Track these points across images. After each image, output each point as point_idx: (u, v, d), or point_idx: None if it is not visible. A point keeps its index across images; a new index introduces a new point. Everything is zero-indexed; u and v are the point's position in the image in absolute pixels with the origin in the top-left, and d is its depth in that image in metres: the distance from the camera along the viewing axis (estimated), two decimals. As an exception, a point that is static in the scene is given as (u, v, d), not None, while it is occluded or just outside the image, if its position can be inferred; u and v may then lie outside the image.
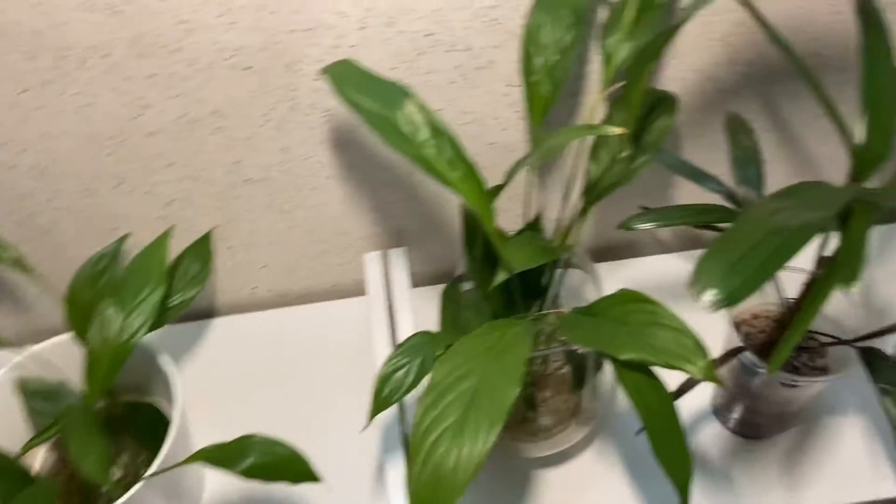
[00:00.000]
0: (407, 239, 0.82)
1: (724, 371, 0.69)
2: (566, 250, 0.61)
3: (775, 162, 0.80)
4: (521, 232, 0.66)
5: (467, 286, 0.64)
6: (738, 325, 0.70)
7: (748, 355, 0.63)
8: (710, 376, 0.44)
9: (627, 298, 0.49)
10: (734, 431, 0.72)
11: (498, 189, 0.53)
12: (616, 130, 0.46)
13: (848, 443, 0.70)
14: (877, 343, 0.61)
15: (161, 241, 0.58)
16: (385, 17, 0.62)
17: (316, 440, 0.72)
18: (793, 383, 0.63)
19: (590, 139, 0.67)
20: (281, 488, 0.69)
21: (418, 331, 0.56)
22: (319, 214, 0.78)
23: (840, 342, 0.65)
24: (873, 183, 0.52)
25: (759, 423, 0.72)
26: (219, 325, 0.84)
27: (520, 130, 0.73)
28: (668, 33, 0.46)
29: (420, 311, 0.73)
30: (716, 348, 0.70)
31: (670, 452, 0.45)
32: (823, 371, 0.66)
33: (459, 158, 0.50)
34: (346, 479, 0.69)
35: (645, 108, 0.62)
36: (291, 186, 0.75)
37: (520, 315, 0.59)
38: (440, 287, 0.75)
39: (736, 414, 0.72)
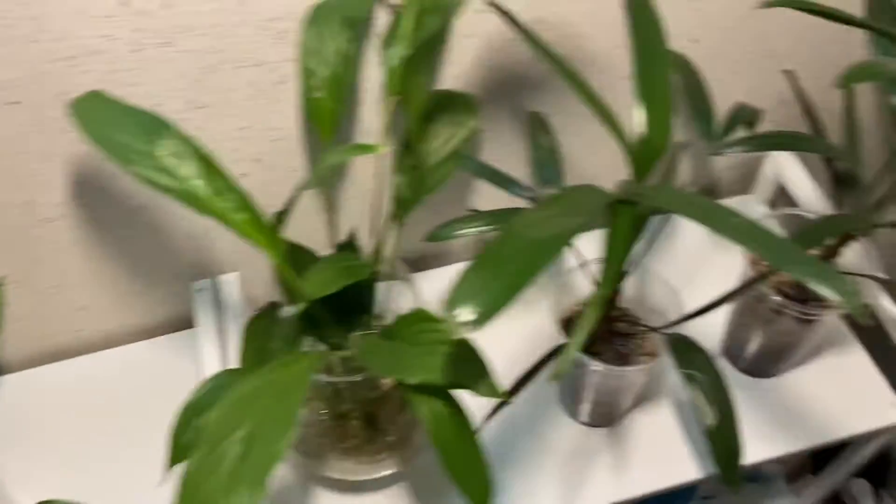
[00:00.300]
0: (240, 262, 0.79)
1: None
2: (377, 266, 0.60)
3: (581, 159, 0.80)
4: (338, 250, 0.64)
5: (286, 312, 0.62)
6: (566, 322, 0.70)
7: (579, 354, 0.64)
8: (495, 394, 0.43)
9: (419, 318, 0.48)
10: (583, 422, 0.73)
11: (282, 216, 0.50)
12: (382, 150, 0.44)
13: (666, 428, 0.72)
14: (685, 329, 0.63)
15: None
16: (160, 37, 0.58)
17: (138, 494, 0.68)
18: (609, 372, 0.64)
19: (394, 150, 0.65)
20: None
21: (222, 370, 0.53)
22: (135, 246, 0.74)
23: (649, 329, 0.66)
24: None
25: (601, 413, 0.73)
26: (32, 377, 0.78)
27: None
28: (431, 42, 0.45)
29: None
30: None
31: (469, 478, 0.44)
32: (653, 357, 0.67)
33: (229, 189, 0.47)
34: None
35: (445, 113, 0.61)
36: (95, 220, 0.70)
37: (329, 341, 0.56)
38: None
39: (581, 405, 0.72)
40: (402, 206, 0.59)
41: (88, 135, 0.45)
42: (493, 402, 0.59)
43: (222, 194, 0.46)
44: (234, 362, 0.69)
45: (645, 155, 0.51)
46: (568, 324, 0.70)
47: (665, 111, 0.52)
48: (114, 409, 0.75)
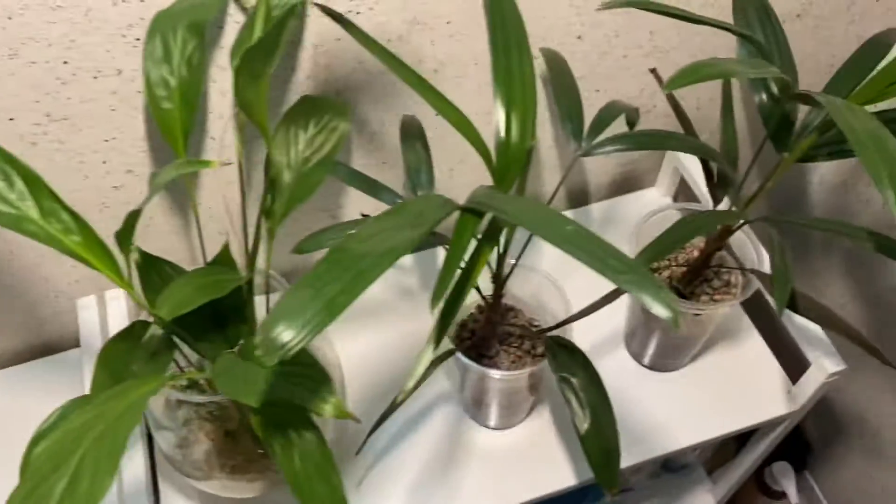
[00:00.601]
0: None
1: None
2: (248, 280, 0.58)
3: (458, 162, 0.80)
4: (210, 265, 0.62)
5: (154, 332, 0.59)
6: (461, 326, 0.69)
7: (460, 356, 0.63)
8: (342, 414, 0.42)
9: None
10: (480, 423, 0.73)
11: (124, 235, 0.48)
12: (215, 164, 0.42)
13: (550, 432, 0.72)
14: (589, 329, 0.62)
15: None
16: (4, 49, 0.55)
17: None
18: (497, 377, 0.63)
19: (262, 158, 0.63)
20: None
21: (72, 398, 0.51)
22: (9, 265, 0.70)
23: (534, 332, 0.65)
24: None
25: (501, 416, 0.72)
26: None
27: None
28: (266, 45, 0.43)
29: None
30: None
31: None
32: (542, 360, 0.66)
33: (59, 209, 0.44)
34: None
35: (315, 119, 0.60)
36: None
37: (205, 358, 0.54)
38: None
39: (479, 409, 0.72)
40: (272, 218, 0.57)
41: None
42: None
43: (52, 216, 0.44)
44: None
45: (505, 160, 0.50)
46: (459, 331, 0.69)
47: (527, 113, 0.51)
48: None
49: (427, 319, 0.75)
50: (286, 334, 0.34)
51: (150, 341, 0.52)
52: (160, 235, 0.73)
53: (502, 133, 0.50)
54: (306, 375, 0.42)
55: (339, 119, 0.59)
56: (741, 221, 0.58)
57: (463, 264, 0.43)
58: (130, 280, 0.51)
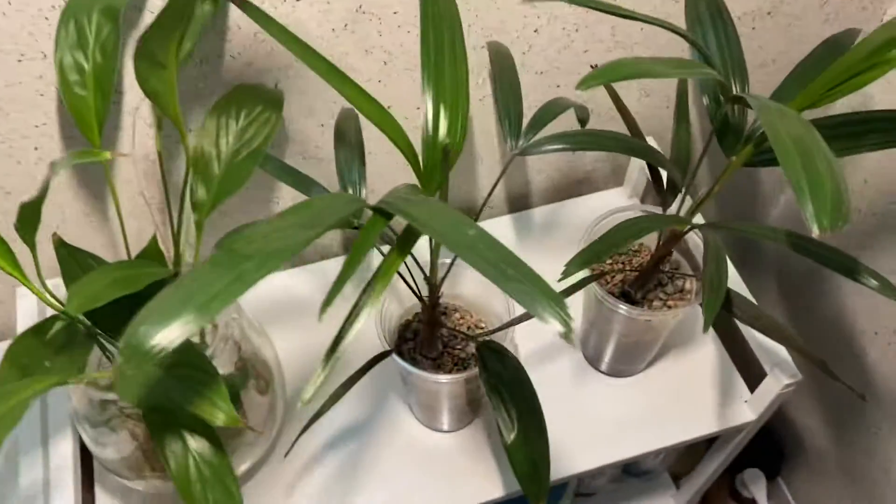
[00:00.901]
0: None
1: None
2: (175, 274, 0.56)
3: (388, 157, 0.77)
4: (138, 258, 0.60)
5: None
6: (405, 325, 0.67)
7: (395, 358, 0.61)
8: (233, 422, 0.40)
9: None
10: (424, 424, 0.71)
11: (24, 226, 0.46)
12: (106, 156, 0.40)
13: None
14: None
15: None
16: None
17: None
18: (442, 381, 0.61)
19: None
20: None
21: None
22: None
23: (469, 336, 0.64)
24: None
25: (442, 417, 0.70)
26: None
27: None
28: (164, 27, 0.41)
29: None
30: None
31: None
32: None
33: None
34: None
35: (247, 108, 0.57)
36: None
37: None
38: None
39: (422, 410, 0.70)
40: (199, 210, 0.55)
41: None
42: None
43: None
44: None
45: (431, 159, 0.48)
46: (403, 331, 0.67)
47: (456, 111, 0.49)
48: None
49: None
50: (153, 337, 0.32)
51: (57, 336, 0.50)
52: (88, 231, 0.71)
53: (429, 131, 0.48)
54: (196, 379, 0.40)
55: (272, 110, 0.57)
56: (687, 227, 0.56)
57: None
58: (40, 272, 0.49)
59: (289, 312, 0.77)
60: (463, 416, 0.70)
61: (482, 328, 0.68)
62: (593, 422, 0.71)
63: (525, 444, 0.51)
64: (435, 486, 0.67)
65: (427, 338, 0.64)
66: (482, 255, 0.34)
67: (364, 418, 0.71)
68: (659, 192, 0.59)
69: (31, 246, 0.46)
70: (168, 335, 0.32)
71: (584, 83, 0.36)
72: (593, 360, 0.75)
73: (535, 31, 0.70)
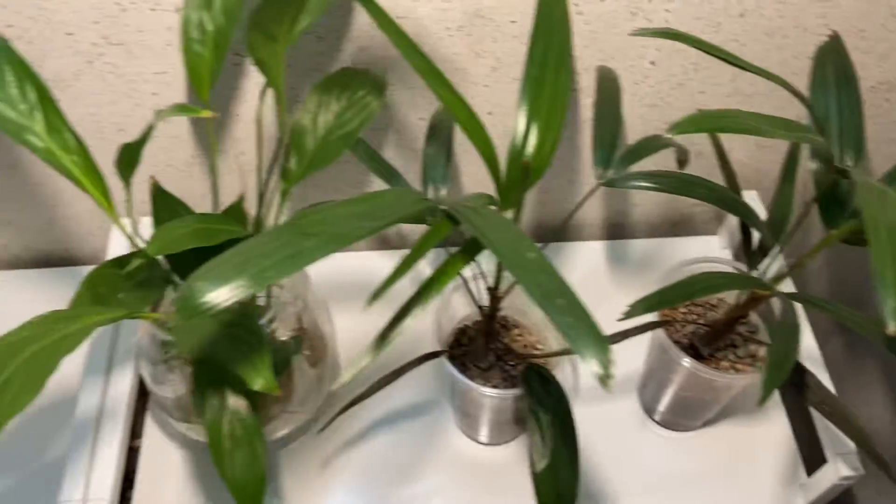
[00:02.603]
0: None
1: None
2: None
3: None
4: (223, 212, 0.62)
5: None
6: (462, 331, 0.67)
7: (445, 362, 0.61)
8: (270, 388, 0.41)
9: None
10: (463, 432, 0.71)
11: (124, 165, 0.48)
12: (206, 114, 0.42)
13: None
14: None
15: None
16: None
17: None
18: (486, 393, 0.61)
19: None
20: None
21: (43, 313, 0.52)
22: (57, 180, 0.74)
23: (521, 355, 0.63)
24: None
25: (483, 429, 0.70)
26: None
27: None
28: (278, 4, 0.42)
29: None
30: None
31: (241, 471, 0.42)
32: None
33: (62, 127, 0.45)
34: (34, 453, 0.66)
35: (350, 91, 0.59)
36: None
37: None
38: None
39: (463, 417, 0.70)
40: (287, 179, 0.57)
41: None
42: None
43: (56, 132, 0.45)
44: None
45: (514, 174, 0.48)
46: (459, 336, 0.67)
47: (548, 129, 0.48)
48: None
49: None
50: (207, 294, 0.34)
51: (135, 272, 0.52)
52: (187, 180, 0.75)
53: (517, 146, 0.48)
54: (246, 342, 0.42)
55: (373, 96, 0.58)
56: (768, 293, 0.53)
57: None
58: (131, 212, 0.52)
59: (357, 293, 0.78)
60: (503, 432, 0.70)
61: (539, 350, 0.67)
62: (634, 470, 0.69)
63: (554, 476, 0.50)
64: (460, 495, 0.67)
65: (480, 348, 0.64)
66: (536, 279, 0.34)
67: (407, 412, 0.71)
68: (746, 250, 0.57)
69: (126, 184, 0.49)
70: (220, 295, 0.34)
71: (679, 127, 0.35)
72: (648, 408, 0.73)
73: (652, 62, 0.68)
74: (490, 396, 0.61)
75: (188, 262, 0.55)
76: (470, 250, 0.42)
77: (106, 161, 0.52)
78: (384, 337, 0.40)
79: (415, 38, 0.64)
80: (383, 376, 0.59)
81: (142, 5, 0.60)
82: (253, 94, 0.67)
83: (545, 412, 0.52)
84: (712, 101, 0.72)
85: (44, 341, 0.41)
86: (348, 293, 0.78)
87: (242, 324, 0.42)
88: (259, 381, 0.40)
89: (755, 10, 0.65)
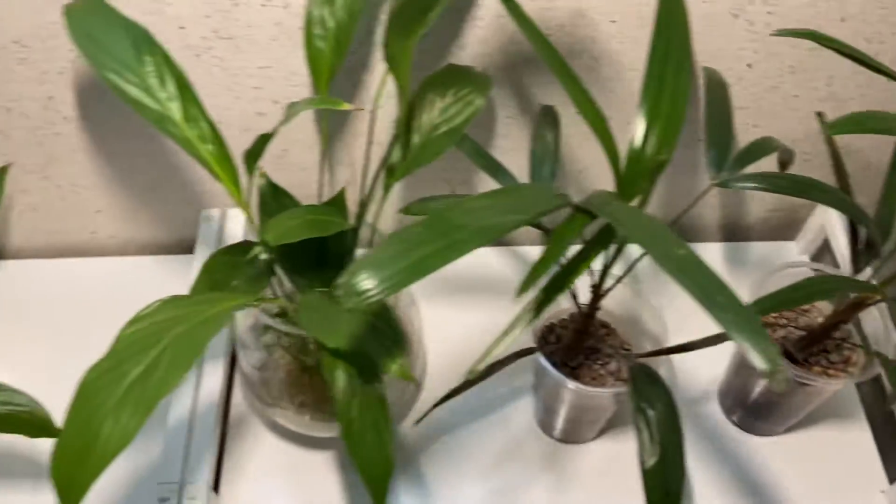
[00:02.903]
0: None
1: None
2: (353, 227, 0.59)
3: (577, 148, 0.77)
4: (327, 204, 0.63)
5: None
6: (549, 329, 0.68)
7: (540, 357, 0.61)
8: (405, 376, 0.42)
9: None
10: (545, 431, 0.71)
11: (251, 156, 0.50)
12: (347, 106, 0.43)
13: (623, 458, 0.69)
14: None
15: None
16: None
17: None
18: (573, 388, 0.61)
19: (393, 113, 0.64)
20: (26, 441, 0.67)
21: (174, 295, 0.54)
22: (158, 163, 0.75)
23: (623, 355, 0.63)
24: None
25: (571, 429, 0.70)
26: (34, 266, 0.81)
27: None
28: (417, 3, 0.43)
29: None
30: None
31: (370, 462, 0.43)
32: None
33: (200, 117, 0.47)
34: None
35: (455, 88, 0.60)
36: (122, 130, 0.72)
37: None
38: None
39: (548, 416, 0.70)
40: (391, 174, 0.58)
41: (74, 37, 0.45)
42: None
43: (193, 122, 0.46)
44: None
45: (634, 170, 0.48)
46: (546, 333, 0.67)
47: (669, 127, 0.48)
48: (96, 311, 0.77)
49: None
50: (368, 283, 0.35)
51: (251, 261, 0.54)
52: (290, 170, 0.76)
53: (638, 142, 0.48)
54: (384, 332, 0.43)
55: (478, 94, 0.59)
56: (877, 297, 0.53)
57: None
58: (248, 201, 0.53)
59: (443, 289, 0.79)
60: (587, 431, 0.70)
61: (628, 349, 0.67)
62: (712, 472, 0.69)
63: (662, 473, 0.51)
64: (534, 492, 0.67)
65: (572, 345, 0.64)
66: (692, 276, 0.34)
67: (488, 407, 0.72)
68: (854, 255, 0.56)
69: (251, 173, 0.51)
70: (381, 283, 0.34)
71: (836, 127, 0.35)
72: (729, 410, 0.73)
73: (749, 65, 0.68)
74: (582, 394, 0.61)
75: (294, 253, 0.56)
76: (603, 240, 0.43)
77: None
78: (531, 316, 0.40)
79: (517, 35, 0.65)
80: (482, 371, 0.60)
81: (253, 1, 0.61)
82: (348, 92, 0.69)
83: (652, 410, 0.52)
84: (806, 105, 0.72)
85: (189, 323, 0.42)
86: (437, 289, 0.79)
87: (382, 315, 0.43)
88: (395, 368, 0.41)
89: (858, 15, 0.65)
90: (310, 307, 0.47)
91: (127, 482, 0.66)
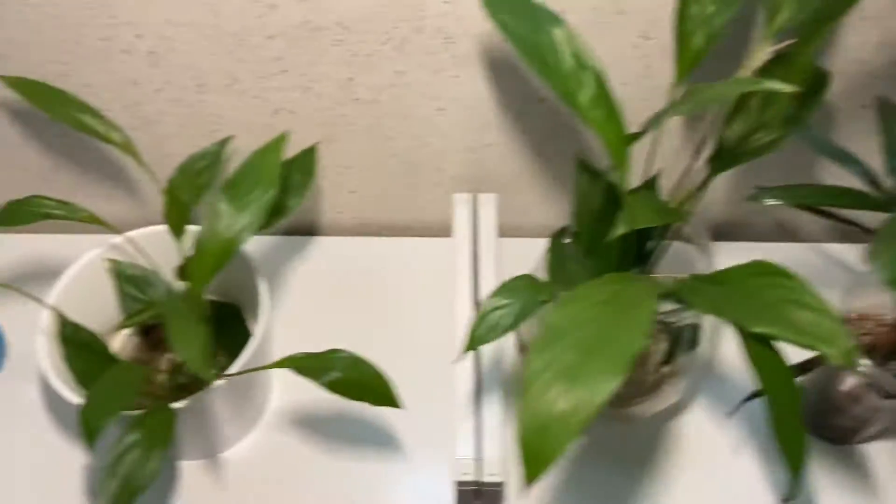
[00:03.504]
0: (499, 186, 0.80)
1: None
2: (683, 217, 0.59)
3: None
4: (636, 190, 0.63)
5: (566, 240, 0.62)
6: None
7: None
8: (849, 361, 0.41)
9: (763, 271, 0.46)
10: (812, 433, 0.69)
11: (634, 137, 0.50)
12: (787, 88, 0.42)
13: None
14: None
15: (276, 145, 0.57)
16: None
17: (393, 369, 0.70)
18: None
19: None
20: (355, 410, 0.68)
21: (523, 274, 0.54)
22: (419, 146, 0.76)
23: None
24: None
25: (840, 426, 0.68)
26: (301, 243, 0.83)
27: (641, 87, 0.69)
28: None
29: (503, 261, 0.71)
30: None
31: (787, 430, 0.43)
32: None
33: (603, 97, 0.47)
34: (419, 411, 0.68)
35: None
36: (398, 113, 0.73)
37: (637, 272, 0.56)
38: (525, 240, 0.73)
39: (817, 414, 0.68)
40: (724, 162, 0.58)
41: (494, 19, 0.46)
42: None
43: (595, 101, 0.47)
44: (486, 274, 0.70)
45: None
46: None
47: None
48: (367, 290, 0.79)
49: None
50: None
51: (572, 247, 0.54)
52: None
53: None
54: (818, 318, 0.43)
55: (817, 87, 0.58)
56: None
57: None
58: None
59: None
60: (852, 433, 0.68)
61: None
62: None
63: None
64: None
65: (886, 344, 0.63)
66: None
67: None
68: None
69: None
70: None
71: None
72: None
73: None
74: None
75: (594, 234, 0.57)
76: None
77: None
78: None
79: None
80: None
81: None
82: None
83: None
84: None
85: (623, 298, 0.42)
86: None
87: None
88: (837, 356, 0.41)
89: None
90: (699, 292, 0.47)
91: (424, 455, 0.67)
